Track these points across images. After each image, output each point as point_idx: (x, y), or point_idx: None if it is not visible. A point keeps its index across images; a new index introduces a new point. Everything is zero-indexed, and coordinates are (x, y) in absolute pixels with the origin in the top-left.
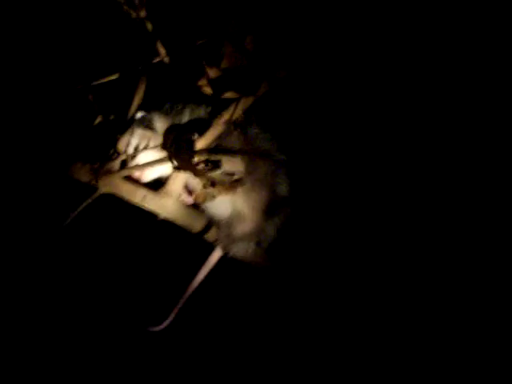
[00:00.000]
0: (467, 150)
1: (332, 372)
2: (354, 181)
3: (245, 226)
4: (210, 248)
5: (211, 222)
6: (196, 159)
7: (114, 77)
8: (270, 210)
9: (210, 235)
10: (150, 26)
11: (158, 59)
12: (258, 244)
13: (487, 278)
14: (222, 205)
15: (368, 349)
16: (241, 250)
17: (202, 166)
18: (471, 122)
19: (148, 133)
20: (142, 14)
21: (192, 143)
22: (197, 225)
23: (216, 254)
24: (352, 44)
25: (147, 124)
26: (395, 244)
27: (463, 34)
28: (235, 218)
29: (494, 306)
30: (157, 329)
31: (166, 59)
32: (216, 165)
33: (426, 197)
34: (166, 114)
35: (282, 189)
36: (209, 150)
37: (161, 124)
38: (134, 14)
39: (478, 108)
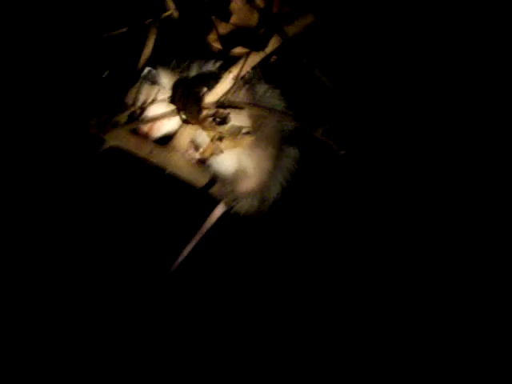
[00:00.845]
0: (468, 151)
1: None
2: (363, 145)
3: (249, 183)
4: (214, 203)
5: (216, 178)
6: (204, 113)
7: (122, 30)
8: (275, 168)
9: (215, 190)
10: None
11: (167, 13)
12: (261, 201)
13: (487, 278)
14: (228, 161)
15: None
16: (244, 206)
17: (210, 119)
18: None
19: (155, 88)
20: None
21: (200, 97)
22: (202, 180)
23: (219, 209)
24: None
25: (154, 79)
26: (396, 225)
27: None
28: (240, 174)
29: (494, 306)
30: (158, 281)
31: (175, 13)
32: (224, 119)
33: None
34: (173, 69)
35: (288, 146)
36: (217, 104)
37: (167, 79)
38: None
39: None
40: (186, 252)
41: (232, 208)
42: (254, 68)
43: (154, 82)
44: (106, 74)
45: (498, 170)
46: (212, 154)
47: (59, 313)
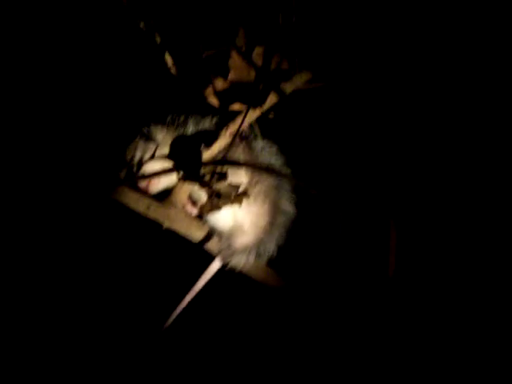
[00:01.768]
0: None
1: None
2: (359, 198)
3: (245, 239)
4: (210, 258)
5: (212, 233)
6: (202, 170)
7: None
8: (271, 224)
9: (211, 246)
10: (157, 37)
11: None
12: (257, 257)
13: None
14: (224, 216)
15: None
16: (240, 261)
17: (208, 177)
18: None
19: (150, 144)
20: (147, 25)
21: (199, 154)
22: (198, 235)
23: (215, 265)
24: (361, 58)
25: (148, 136)
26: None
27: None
28: (236, 229)
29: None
30: (152, 336)
31: (173, 70)
32: (222, 176)
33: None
34: (168, 125)
35: (285, 203)
36: (215, 162)
37: (162, 136)
38: (141, 24)
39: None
40: (180, 307)
41: (228, 264)
42: (251, 124)
43: (148, 138)
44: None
45: (498, 170)
46: (210, 211)
47: None
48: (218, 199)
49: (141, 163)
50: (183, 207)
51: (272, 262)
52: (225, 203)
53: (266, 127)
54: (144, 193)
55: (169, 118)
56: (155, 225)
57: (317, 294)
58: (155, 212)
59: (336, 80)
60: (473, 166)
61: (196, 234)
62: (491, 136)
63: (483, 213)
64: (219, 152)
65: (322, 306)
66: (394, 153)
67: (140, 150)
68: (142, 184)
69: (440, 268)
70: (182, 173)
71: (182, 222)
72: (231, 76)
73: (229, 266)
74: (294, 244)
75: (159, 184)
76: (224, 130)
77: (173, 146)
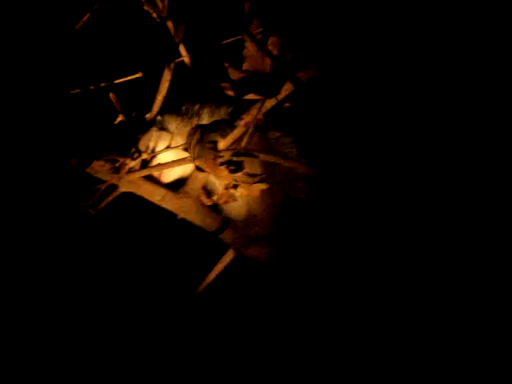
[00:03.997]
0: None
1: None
2: (373, 189)
3: (260, 228)
4: (224, 248)
5: (227, 223)
6: (219, 160)
7: (136, 76)
8: (285, 214)
9: (225, 235)
10: (171, 26)
11: (179, 60)
12: (271, 247)
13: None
14: (238, 206)
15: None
16: (254, 251)
17: (224, 167)
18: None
19: (164, 134)
20: (164, 13)
21: (215, 144)
22: (212, 225)
23: (229, 254)
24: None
25: (162, 125)
26: (407, 248)
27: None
28: (251, 219)
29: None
30: (167, 324)
31: (187, 60)
32: (239, 166)
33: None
34: (182, 115)
35: (299, 193)
36: (232, 153)
37: (176, 125)
38: (154, 14)
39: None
40: (196, 296)
41: (242, 253)
42: (265, 115)
43: (162, 127)
44: (119, 119)
45: (498, 170)
46: (227, 202)
47: None
48: (234, 190)
49: (155, 153)
50: (198, 197)
51: (285, 252)
52: (242, 194)
53: (280, 117)
54: (158, 183)
55: (183, 108)
56: (170, 215)
57: (330, 283)
58: (170, 202)
59: (347, 70)
60: (472, 166)
61: (210, 224)
62: (491, 135)
63: (483, 212)
64: (234, 142)
65: (333, 293)
66: (398, 148)
67: (154, 140)
68: (155, 174)
69: (439, 267)
70: (198, 163)
71: (197, 212)
72: (246, 66)
73: (243, 256)
74: (307, 234)
75: (172, 174)
76: (239, 120)
77: (190, 135)
